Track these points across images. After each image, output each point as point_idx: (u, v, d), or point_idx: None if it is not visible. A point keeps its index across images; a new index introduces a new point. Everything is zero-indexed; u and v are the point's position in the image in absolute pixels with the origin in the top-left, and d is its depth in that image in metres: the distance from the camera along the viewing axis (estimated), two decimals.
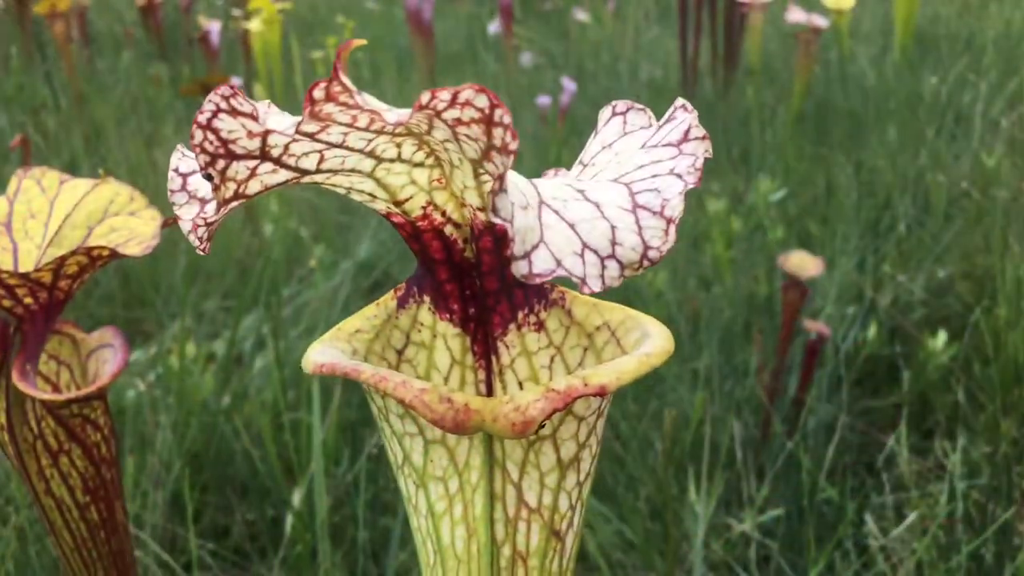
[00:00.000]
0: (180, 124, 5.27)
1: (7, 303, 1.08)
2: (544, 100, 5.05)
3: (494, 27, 7.14)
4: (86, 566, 1.27)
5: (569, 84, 5.07)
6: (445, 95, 0.57)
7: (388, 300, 0.82)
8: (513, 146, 0.56)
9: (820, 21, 4.87)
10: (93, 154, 4.75)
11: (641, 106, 0.75)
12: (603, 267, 0.58)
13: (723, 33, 5.42)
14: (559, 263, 0.57)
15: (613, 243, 0.59)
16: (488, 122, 0.57)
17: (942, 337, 2.67)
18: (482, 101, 0.56)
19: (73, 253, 1.05)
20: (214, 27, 5.81)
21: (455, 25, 8.07)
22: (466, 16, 8.24)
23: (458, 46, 7.37)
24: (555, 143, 4.41)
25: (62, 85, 5.73)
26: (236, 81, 4.67)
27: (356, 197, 0.73)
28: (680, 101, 0.70)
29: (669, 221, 0.60)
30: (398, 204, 0.73)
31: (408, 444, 0.75)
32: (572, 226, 0.58)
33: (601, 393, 0.65)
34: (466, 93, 0.56)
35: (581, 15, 7.36)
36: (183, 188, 0.69)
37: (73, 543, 1.25)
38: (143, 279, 3.44)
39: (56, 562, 1.94)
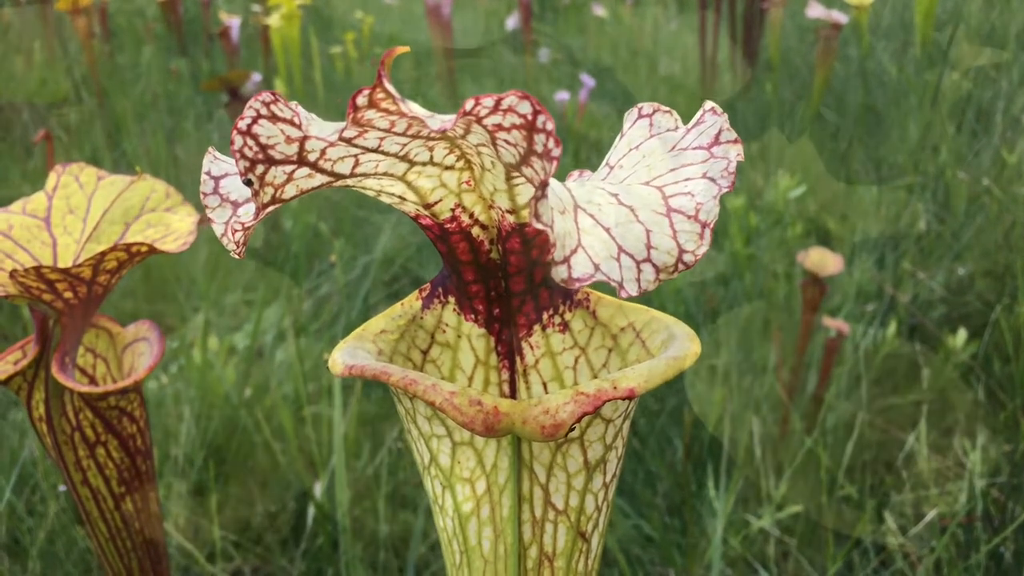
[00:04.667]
0: (200, 119, 5.29)
1: (47, 297, 1.10)
2: (562, 96, 5.04)
3: (512, 22, 7.12)
4: (120, 556, 1.29)
5: (587, 80, 5.05)
6: (488, 101, 0.57)
7: (412, 300, 0.82)
8: (556, 152, 0.56)
9: (840, 16, 4.83)
10: (115, 148, 4.78)
11: (667, 108, 0.74)
12: (639, 271, 0.58)
13: (742, 28, 5.40)
14: (597, 267, 0.56)
15: (648, 247, 0.59)
16: (530, 128, 0.57)
17: (962, 335, 2.66)
18: (525, 108, 0.56)
19: (113, 249, 1.06)
20: (234, 22, 5.83)
21: (474, 20, 8.06)
22: (484, 11, 8.23)
23: (476, 41, 7.36)
24: (573, 139, 4.40)
25: (84, 80, 5.77)
26: (256, 77, 4.68)
27: (386, 199, 0.73)
28: (709, 104, 0.70)
29: (704, 225, 0.60)
30: (428, 207, 0.73)
31: (436, 446, 0.75)
32: (608, 230, 0.58)
33: (630, 396, 0.65)
34: (509, 99, 0.57)
35: (599, 10, 7.34)
36: (215, 191, 0.68)
37: (108, 533, 1.27)
38: (165, 273, 3.46)
39: (84, 556, 1.96)
